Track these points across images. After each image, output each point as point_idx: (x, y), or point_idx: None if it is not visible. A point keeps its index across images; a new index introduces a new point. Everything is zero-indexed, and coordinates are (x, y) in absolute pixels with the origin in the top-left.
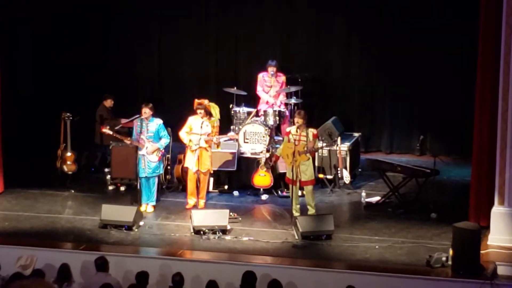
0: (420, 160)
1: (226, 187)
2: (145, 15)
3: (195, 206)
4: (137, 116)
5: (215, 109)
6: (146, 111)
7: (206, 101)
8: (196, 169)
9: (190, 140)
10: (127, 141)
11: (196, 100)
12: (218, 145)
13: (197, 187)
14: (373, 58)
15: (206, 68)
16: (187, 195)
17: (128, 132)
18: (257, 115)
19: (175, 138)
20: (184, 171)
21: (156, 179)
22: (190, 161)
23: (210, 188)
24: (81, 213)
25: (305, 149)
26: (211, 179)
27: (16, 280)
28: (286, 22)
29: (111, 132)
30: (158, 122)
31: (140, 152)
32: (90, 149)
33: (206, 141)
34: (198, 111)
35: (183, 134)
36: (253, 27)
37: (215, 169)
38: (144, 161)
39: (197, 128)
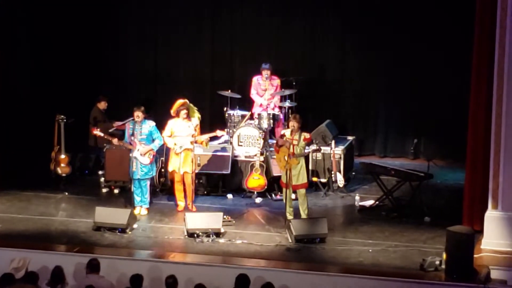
0: (414, 164)
1: (220, 190)
2: (141, 17)
3: (186, 208)
4: (131, 118)
5: (193, 110)
6: (139, 115)
7: (187, 101)
8: (183, 170)
9: (175, 144)
10: (115, 142)
11: (180, 101)
12: (206, 143)
13: (185, 190)
14: (367, 61)
15: (201, 71)
16: (176, 198)
17: (122, 135)
18: (251, 118)
19: None
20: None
21: (148, 182)
22: (175, 164)
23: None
24: (75, 215)
25: (294, 153)
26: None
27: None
28: (281, 25)
29: (102, 134)
30: (150, 124)
31: (132, 154)
32: (84, 152)
33: (192, 142)
34: (183, 112)
35: (166, 138)
36: (249, 30)
37: (209, 172)
38: (136, 163)
39: (181, 130)
